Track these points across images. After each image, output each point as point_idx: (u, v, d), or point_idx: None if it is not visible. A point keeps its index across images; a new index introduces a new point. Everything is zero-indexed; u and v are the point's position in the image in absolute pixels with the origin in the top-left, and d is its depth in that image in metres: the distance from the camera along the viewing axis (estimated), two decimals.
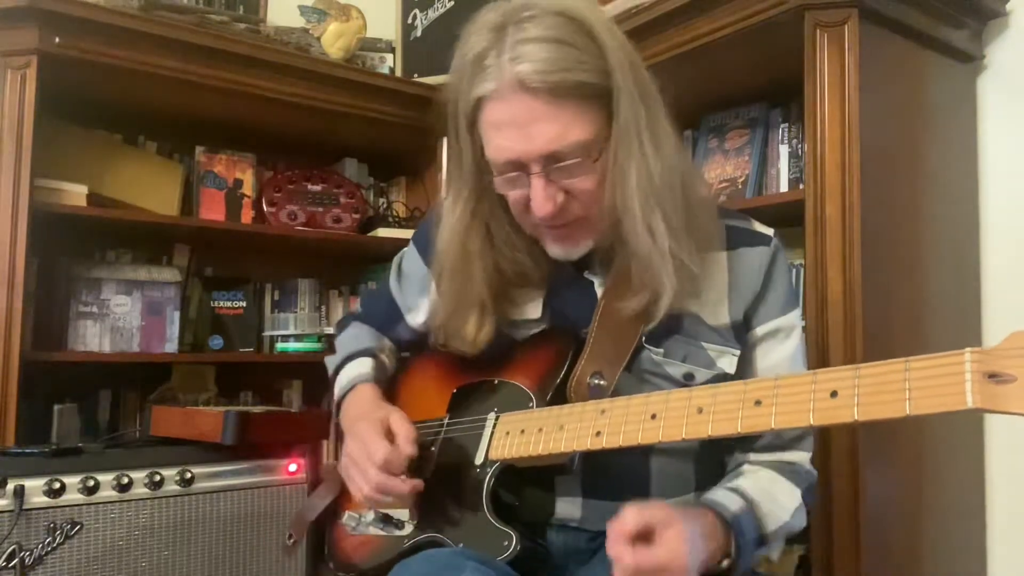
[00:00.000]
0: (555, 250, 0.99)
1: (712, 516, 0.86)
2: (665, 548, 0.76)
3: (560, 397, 0.95)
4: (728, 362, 0.99)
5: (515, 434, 0.93)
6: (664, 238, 0.90)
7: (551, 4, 0.90)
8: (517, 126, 0.88)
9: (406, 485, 0.94)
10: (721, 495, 0.92)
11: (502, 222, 1.00)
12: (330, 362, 1.25)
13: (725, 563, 0.86)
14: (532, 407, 0.96)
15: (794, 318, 1.02)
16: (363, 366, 1.17)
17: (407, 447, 0.95)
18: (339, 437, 1.11)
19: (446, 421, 1.05)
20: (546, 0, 0.91)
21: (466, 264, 1.00)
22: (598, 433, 0.82)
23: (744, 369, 1.00)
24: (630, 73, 0.90)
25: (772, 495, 0.95)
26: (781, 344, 1.01)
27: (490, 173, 0.95)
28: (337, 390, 1.18)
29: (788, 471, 0.98)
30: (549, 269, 1.03)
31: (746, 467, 1.00)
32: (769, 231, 1.04)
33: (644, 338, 0.97)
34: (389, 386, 1.18)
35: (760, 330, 1.00)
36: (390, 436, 0.97)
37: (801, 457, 1.01)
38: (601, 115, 0.90)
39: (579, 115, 0.89)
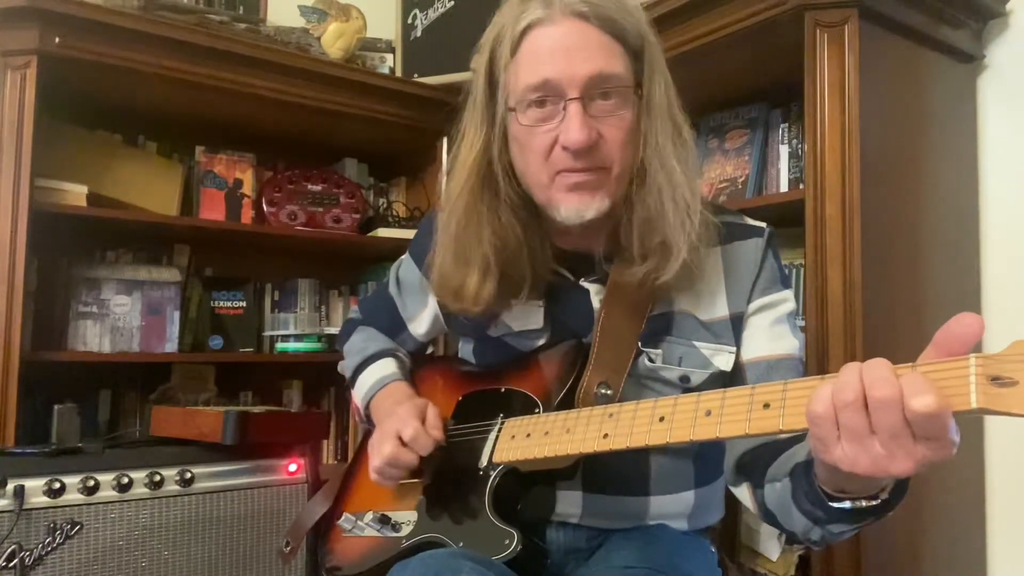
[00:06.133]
0: (569, 205, 0.93)
1: None
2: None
3: (567, 406, 0.94)
4: (724, 360, 0.98)
5: (520, 437, 0.93)
6: (683, 190, 0.92)
7: None
8: (564, 50, 0.89)
9: (415, 456, 0.96)
10: None
11: (508, 208, 0.98)
12: (346, 367, 1.25)
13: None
14: (539, 413, 0.96)
15: (780, 297, 1.00)
16: (388, 366, 1.18)
17: (435, 431, 0.98)
18: (339, 436, 1.11)
19: (451, 424, 1.05)
20: None
21: (474, 226, 0.98)
22: (605, 435, 0.81)
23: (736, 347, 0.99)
24: (658, 54, 0.94)
25: None
26: (768, 322, 0.99)
27: (504, 136, 0.96)
28: (363, 391, 1.17)
29: None
30: (548, 278, 1.02)
31: None
32: (762, 224, 1.04)
33: (640, 342, 0.97)
34: None
35: (751, 307, 0.99)
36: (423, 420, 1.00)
37: None
38: (634, 74, 0.93)
39: (621, 56, 0.91)
